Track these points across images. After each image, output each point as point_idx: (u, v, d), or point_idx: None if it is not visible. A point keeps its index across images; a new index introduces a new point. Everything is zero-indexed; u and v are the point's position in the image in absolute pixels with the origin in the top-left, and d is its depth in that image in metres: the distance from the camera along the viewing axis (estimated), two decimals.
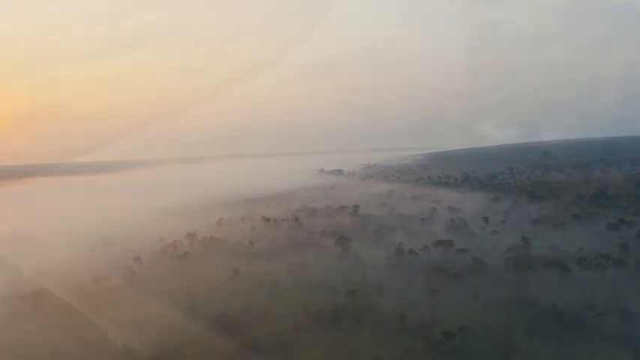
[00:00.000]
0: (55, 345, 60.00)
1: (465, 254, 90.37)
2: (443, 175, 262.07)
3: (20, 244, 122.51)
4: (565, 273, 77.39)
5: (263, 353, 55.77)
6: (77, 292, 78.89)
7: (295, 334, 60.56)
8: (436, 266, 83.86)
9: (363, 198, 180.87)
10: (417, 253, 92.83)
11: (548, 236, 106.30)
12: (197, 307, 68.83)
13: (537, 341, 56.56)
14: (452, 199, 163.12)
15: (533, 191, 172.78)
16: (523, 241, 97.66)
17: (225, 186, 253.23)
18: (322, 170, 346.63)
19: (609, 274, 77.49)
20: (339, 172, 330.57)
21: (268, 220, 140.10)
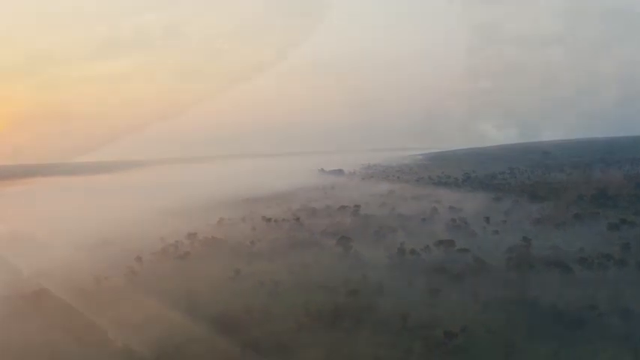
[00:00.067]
0: (56, 345, 59.90)
1: (466, 254, 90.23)
2: (443, 175, 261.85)
3: (21, 244, 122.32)
4: (567, 273, 77.27)
5: (264, 353, 55.67)
6: (78, 293, 78.72)
7: (297, 334, 60.46)
8: (438, 266, 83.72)
9: (364, 198, 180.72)
10: (419, 253, 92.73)
11: (550, 236, 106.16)
12: (199, 307, 68.69)
13: (540, 341, 56.45)
14: (453, 199, 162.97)
15: (533, 191, 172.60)
16: (524, 241, 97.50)
17: (225, 186, 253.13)
18: (322, 170, 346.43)
19: (611, 274, 77.39)
20: (340, 172, 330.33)
21: (269, 220, 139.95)
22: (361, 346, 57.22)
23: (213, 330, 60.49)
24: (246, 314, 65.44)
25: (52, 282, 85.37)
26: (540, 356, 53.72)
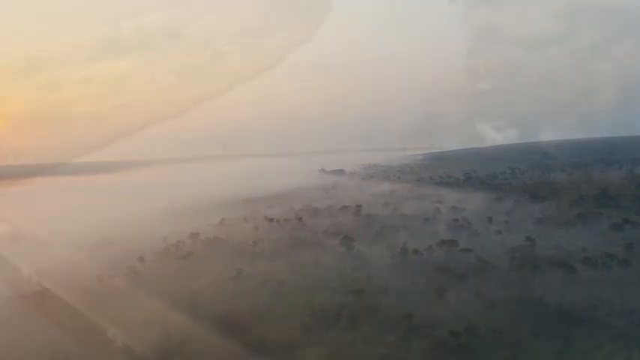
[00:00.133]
0: (59, 345, 59.84)
1: (469, 254, 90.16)
2: (444, 175, 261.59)
3: (22, 244, 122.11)
4: (571, 273, 77.26)
5: (268, 353, 55.64)
6: (81, 293, 78.51)
7: (301, 333, 60.42)
8: (441, 266, 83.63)
9: (366, 198, 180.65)
10: (422, 253, 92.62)
11: (553, 236, 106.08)
12: (203, 307, 68.77)
13: (545, 341, 56.41)
14: (454, 199, 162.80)
15: (535, 191, 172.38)
16: (528, 241, 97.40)
17: (225, 186, 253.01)
18: (323, 170, 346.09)
19: (615, 274, 77.33)
20: (340, 172, 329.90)
21: (271, 220, 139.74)
22: (366, 346, 57.19)
23: (218, 330, 60.43)
24: (250, 314, 65.49)
25: (54, 282, 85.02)
26: (546, 356, 53.72)
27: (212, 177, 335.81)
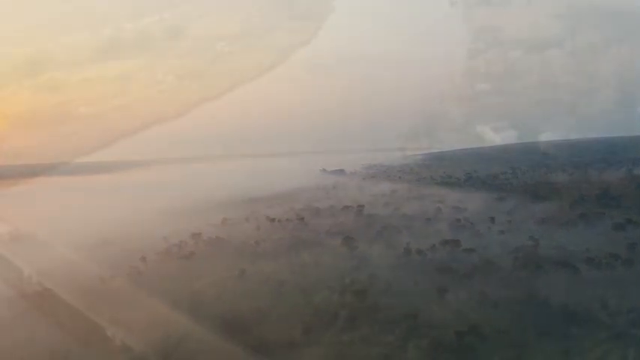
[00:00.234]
0: (62, 345, 59.65)
1: (473, 254, 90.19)
2: (445, 175, 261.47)
3: (23, 244, 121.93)
4: (574, 273, 77.25)
5: (271, 352, 55.55)
6: (83, 293, 78.36)
7: (304, 333, 60.31)
8: (445, 266, 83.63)
9: (367, 198, 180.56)
10: (425, 253, 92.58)
11: (556, 236, 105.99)
12: (207, 307, 68.90)
13: (550, 341, 56.31)
14: (456, 199, 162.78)
15: (536, 191, 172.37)
16: (531, 241, 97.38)
17: (226, 186, 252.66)
18: (324, 170, 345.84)
19: (619, 274, 77.27)
20: (341, 172, 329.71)
21: (273, 220, 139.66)
22: (370, 346, 57.08)
23: (223, 330, 60.32)
24: (253, 314, 65.40)
25: (56, 282, 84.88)
26: (551, 356, 53.61)
27: (213, 177, 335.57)
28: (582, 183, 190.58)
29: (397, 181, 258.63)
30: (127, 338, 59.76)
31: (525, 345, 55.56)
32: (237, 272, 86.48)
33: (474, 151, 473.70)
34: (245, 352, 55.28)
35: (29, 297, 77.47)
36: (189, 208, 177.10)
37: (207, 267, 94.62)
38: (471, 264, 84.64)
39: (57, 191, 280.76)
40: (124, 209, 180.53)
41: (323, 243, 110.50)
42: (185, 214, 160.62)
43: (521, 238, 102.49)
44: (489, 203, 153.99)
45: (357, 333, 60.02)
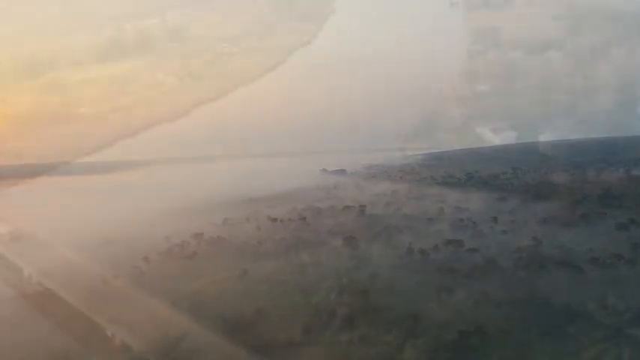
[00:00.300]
0: (63, 345, 59.52)
1: (475, 254, 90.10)
2: (446, 175, 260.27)
3: (24, 244, 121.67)
4: (578, 273, 77.19)
5: (273, 353, 55.47)
6: (85, 293, 78.21)
7: (306, 334, 60.24)
8: (447, 266, 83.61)
9: (368, 198, 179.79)
10: (428, 253, 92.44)
11: (558, 236, 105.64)
12: (209, 307, 68.85)
13: (554, 341, 56.20)
14: (457, 199, 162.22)
15: (538, 191, 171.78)
16: (534, 241, 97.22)
17: (227, 186, 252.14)
18: (324, 170, 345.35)
19: (623, 274, 77.22)
20: (342, 172, 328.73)
21: (274, 220, 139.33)
22: (372, 346, 56.96)
23: (228, 330, 60.30)
24: (256, 314, 65.31)
25: (57, 282, 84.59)
26: (554, 356, 53.49)
27: (214, 177, 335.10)
28: (583, 183, 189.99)
29: (398, 181, 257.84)
30: (128, 338, 59.66)
31: (528, 345, 55.45)
32: (238, 272, 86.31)
33: (474, 151, 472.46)
34: (249, 352, 55.19)
35: (29, 297, 77.21)
36: (191, 208, 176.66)
37: (210, 267, 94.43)
38: (474, 264, 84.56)
39: (58, 191, 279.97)
40: (126, 209, 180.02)
41: (325, 243, 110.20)
42: (187, 214, 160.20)
43: (523, 238, 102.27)
44: (491, 203, 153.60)
45: (361, 332, 59.87)
